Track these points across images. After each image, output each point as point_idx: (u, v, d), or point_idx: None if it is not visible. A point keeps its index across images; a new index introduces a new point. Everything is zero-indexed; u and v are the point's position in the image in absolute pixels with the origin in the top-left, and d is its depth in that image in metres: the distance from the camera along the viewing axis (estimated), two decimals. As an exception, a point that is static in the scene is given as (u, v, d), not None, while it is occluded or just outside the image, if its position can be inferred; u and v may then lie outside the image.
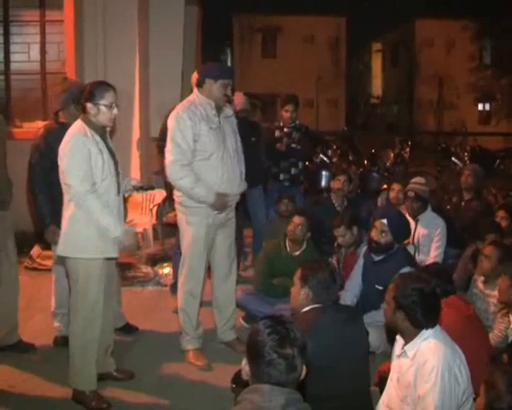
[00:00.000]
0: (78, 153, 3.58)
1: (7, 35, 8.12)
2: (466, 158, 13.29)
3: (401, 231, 4.60)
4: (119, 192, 3.84)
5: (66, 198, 3.72)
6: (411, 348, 2.84)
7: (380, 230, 4.50)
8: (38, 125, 5.70)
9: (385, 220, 4.52)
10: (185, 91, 7.81)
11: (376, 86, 46.09)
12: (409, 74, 37.07)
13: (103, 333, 3.88)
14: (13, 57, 8.16)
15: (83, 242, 3.67)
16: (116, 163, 3.81)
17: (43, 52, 8.07)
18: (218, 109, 4.30)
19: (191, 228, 4.34)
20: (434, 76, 35.21)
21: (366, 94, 46.48)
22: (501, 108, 32.99)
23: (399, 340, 2.97)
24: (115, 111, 3.73)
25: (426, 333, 2.82)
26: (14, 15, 8.08)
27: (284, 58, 36.99)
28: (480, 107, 36.97)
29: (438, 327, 2.87)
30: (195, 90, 4.37)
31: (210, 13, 16.47)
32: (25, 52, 8.15)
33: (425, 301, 2.81)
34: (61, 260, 3.98)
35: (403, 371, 2.86)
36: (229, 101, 4.57)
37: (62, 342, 4.53)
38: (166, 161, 4.23)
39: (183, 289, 4.45)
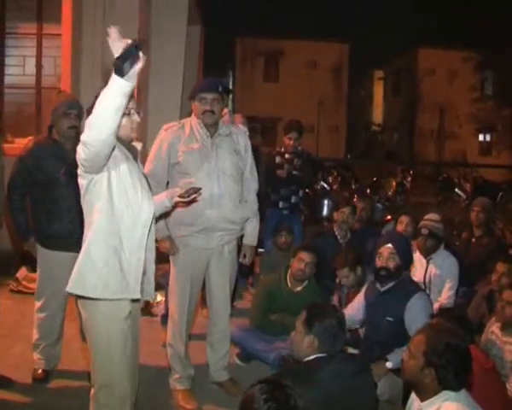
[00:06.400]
0: None
1: (2, 47, 7.91)
2: (469, 190, 13.01)
3: (408, 254, 4.30)
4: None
5: (87, 220, 2.88)
6: (430, 406, 2.50)
7: (387, 255, 4.14)
8: (31, 141, 5.42)
9: (390, 245, 4.18)
10: (184, 115, 7.59)
11: (377, 114, 45.95)
12: (410, 103, 36.95)
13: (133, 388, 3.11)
14: (7, 70, 7.96)
15: (101, 277, 2.80)
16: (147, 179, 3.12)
17: (38, 66, 7.85)
18: (210, 128, 3.94)
19: (176, 258, 4.06)
20: (436, 105, 35.08)
21: (367, 121, 46.37)
22: (502, 139, 32.86)
23: (416, 398, 2.63)
24: (136, 117, 2.92)
25: (447, 394, 2.48)
26: (11, 27, 7.88)
27: (286, 82, 36.82)
28: (481, 138, 36.75)
29: (463, 390, 2.53)
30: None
31: (213, 34, 16.35)
32: (20, 65, 7.93)
33: (460, 361, 2.47)
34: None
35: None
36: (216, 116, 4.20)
37: (42, 376, 4.23)
38: None
39: (169, 323, 4.15)
